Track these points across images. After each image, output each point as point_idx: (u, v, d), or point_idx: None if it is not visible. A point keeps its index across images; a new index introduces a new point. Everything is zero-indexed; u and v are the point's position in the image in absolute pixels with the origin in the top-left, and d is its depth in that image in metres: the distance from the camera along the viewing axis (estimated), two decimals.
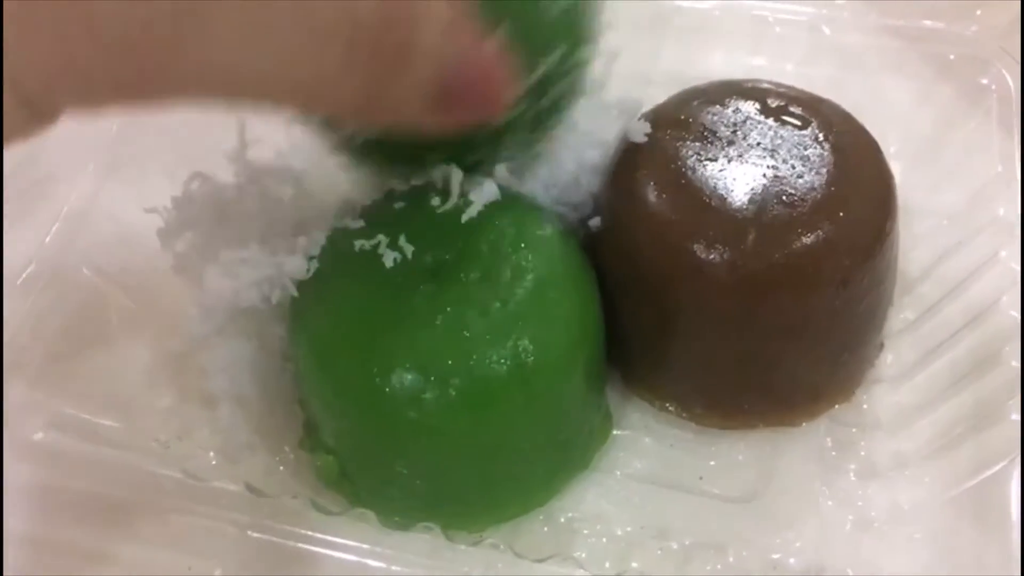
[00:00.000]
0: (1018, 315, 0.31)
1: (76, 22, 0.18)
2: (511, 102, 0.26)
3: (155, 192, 0.33)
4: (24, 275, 0.33)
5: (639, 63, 0.40)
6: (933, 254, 0.35)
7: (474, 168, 0.31)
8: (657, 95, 0.35)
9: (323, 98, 0.23)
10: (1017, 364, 0.30)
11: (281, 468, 0.31)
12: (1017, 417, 0.29)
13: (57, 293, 0.33)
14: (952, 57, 0.39)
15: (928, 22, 0.41)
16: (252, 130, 0.31)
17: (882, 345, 0.34)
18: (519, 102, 0.28)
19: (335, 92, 0.22)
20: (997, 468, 0.29)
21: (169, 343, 0.31)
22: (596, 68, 0.33)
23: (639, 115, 0.34)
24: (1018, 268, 0.32)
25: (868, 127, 0.33)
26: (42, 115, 0.18)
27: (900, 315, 0.34)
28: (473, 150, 0.30)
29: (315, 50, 0.21)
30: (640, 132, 0.32)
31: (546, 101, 0.29)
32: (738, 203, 0.30)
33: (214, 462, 0.31)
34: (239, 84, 0.21)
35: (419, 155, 0.30)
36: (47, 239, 0.34)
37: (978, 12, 0.40)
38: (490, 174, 0.31)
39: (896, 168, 0.37)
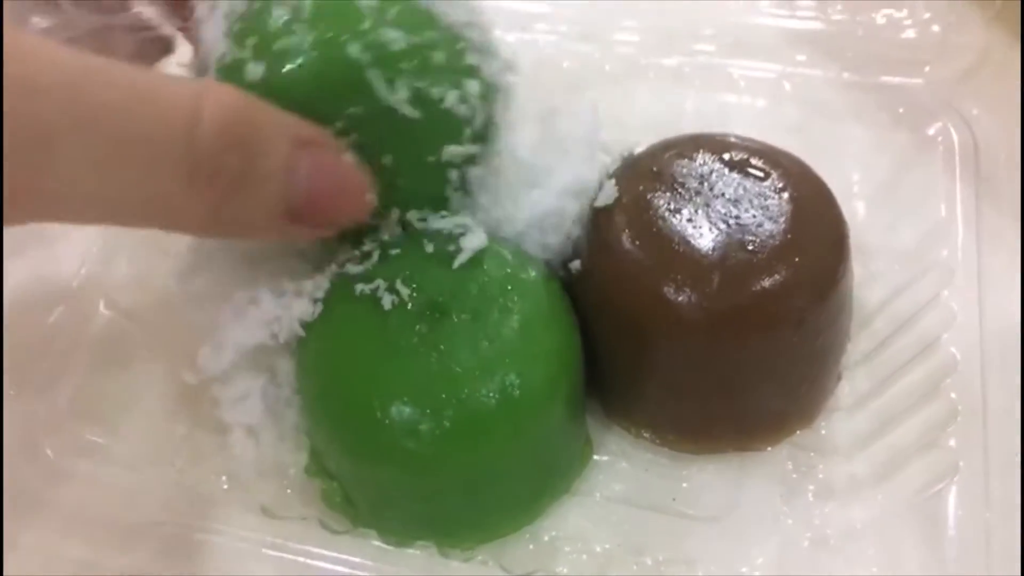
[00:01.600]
0: (958, 352, 0.34)
1: None
2: (369, 209, 0.27)
3: (170, 237, 0.35)
4: (54, 315, 0.35)
5: (615, 111, 0.42)
6: (886, 291, 0.37)
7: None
8: (631, 140, 0.37)
9: (170, 219, 0.23)
10: (956, 396, 0.33)
11: (288, 492, 0.33)
12: (954, 443, 0.32)
13: (82, 331, 0.36)
14: (901, 111, 0.42)
15: (884, 77, 0.44)
16: None
17: (840, 376, 0.36)
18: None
19: (181, 214, 0.23)
20: (937, 489, 0.31)
21: (184, 376, 0.33)
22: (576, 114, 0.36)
23: (617, 161, 0.36)
24: (956, 308, 0.35)
25: (831, 169, 0.35)
26: None
27: (857, 347, 0.36)
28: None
29: (156, 177, 0.21)
30: (609, 196, 0.34)
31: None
32: (704, 249, 0.32)
33: (226, 486, 0.33)
34: (88, 209, 0.22)
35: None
36: (74, 283, 0.36)
37: (927, 69, 0.43)
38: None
39: (859, 206, 0.40)
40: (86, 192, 0.21)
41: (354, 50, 0.28)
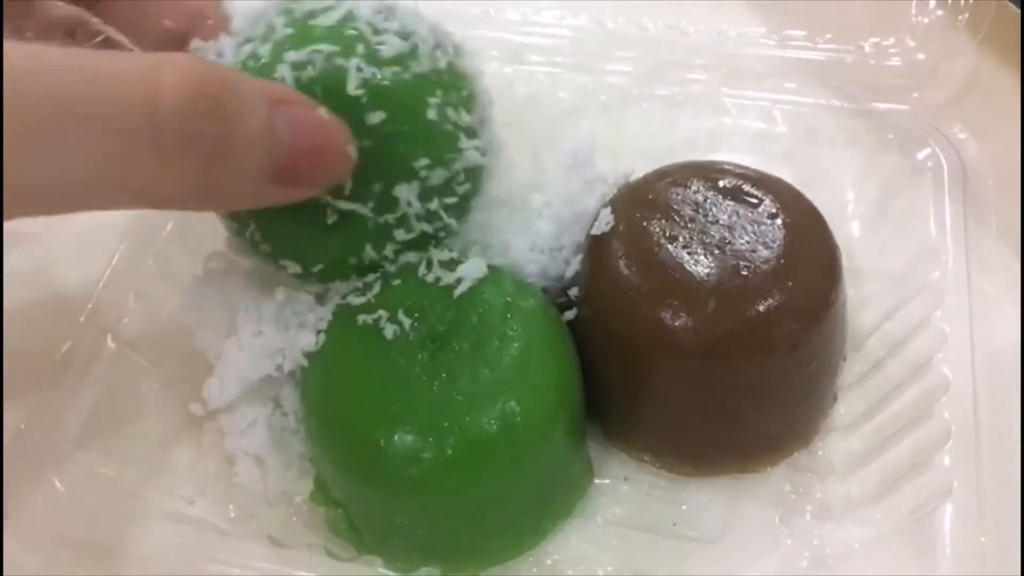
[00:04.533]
0: (950, 372, 0.34)
1: None
2: (351, 164, 0.26)
3: (177, 270, 0.36)
4: (63, 350, 0.36)
5: (610, 140, 0.43)
6: (879, 314, 0.38)
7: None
8: (626, 168, 0.37)
9: (147, 194, 0.22)
10: (949, 416, 0.33)
11: (294, 519, 0.34)
12: (948, 463, 0.32)
13: (90, 364, 0.36)
14: (890, 136, 0.43)
15: (873, 104, 0.44)
16: None
17: (835, 397, 0.36)
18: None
19: (157, 187, 0.22)
20: (932, 508, 0.32)
21: (191, 408, 0.34)
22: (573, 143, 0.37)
23: (613, 189, 0.37)
24: (948, 329, 0.35)
25: (823, 195, 0.36)
26: None
27: (852, 368, 0.37)
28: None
29: (120, 153, 0.21)
30: (606, 223, 0.35)
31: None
32: (700, 275, 0.32)
33: (233, 515, 0.34)
34: (55, 198, 0.21)
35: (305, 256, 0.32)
36: (81, 319, 0.37)
37: (915, 95, 0.44)
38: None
39: (851, 230, 0.41)
40: (47, 185, 0.21)
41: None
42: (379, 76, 0.29)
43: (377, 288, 0.33)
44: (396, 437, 0.29)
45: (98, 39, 0.34)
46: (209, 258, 0.35)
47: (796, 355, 0.33)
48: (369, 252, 0.32)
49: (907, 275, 0.39)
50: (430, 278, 0.33)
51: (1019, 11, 0.45)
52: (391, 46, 0.30)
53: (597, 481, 0.35)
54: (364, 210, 0.31)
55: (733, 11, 0.50)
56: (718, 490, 0.35)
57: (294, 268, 0.33)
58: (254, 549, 0.32)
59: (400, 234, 0.32)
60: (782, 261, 0.33)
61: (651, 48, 0.48)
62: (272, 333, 0.33)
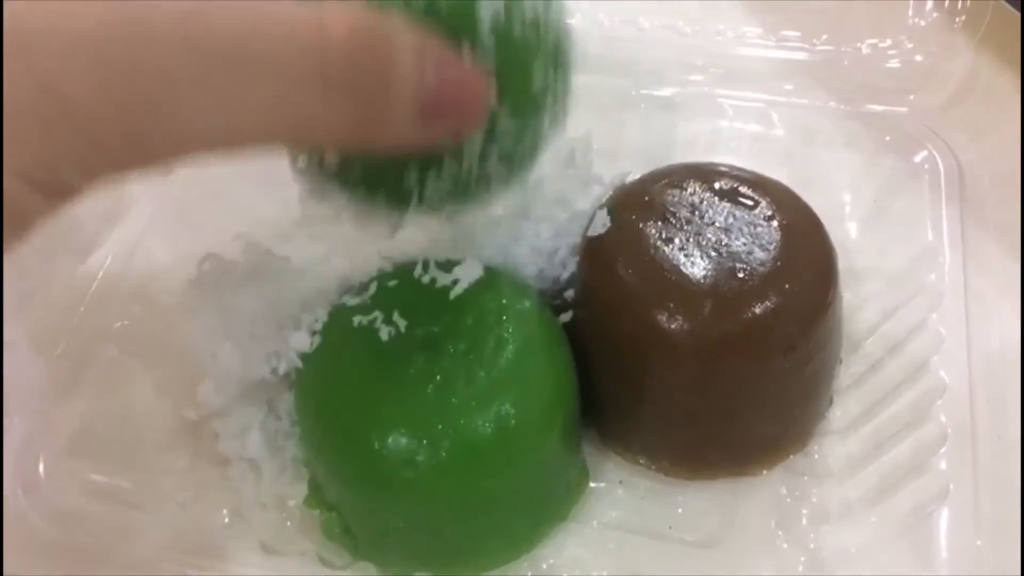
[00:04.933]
0: (946, 375, 0.34)
1: (58, 118, 0.19)
2: (488, 109, 0.26)
3: (170, 273, 0.36)
4: (55, 353, 0.36)
5: (607, 141, 0.43)
6: (876, 316, 0.38)
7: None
8: (623, 170, 0.37)
9: (310, 135, 0.23)
10: (945, 419, 0.33)
11: (288, 524, 0.34)
12: (945, 466, 0.32)
13: (83, 369, 0.36)
14: (888, 138, 0.43)
15: (870, 105, 0.44)
16: (259, 212, 0.34)
17: (832, 399, 0.36)
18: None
19: (321, 128, 0.22)
20: (929, 511, 0.32)
21: (185, 412, 0.34)
22: (570, 145, 0.37)
23: (609, 191, 0.37)
24: (944, 332, 0.35)
25: (820, 197, 0.36)
26: (59, 194, 0.20)
27: (848, 371, 0.37)
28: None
29: (291, 95, 0.21)
30: (602, 224, 0.34)
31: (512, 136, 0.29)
32: (696, 277, 0.32)
33: (227, 520, 0.34)
34: (223, 138, 0.21)
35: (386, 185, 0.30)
36: (74, 322, 0.37)
37: (911, 97, 0.44)
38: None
39: (848, 232, 0.41)
40: (214, 123, 0.21)
41: None
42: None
43: (372, 289, 0.33)
44: (391, 439, 0.29)
45: None
46: (203, 260, 0.35)
47: (792, 358, 0.33)
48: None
49: (904, 277, 0.39)
50: (426, 279, 0.33)
51: (1017, 12, 0.45)
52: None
53: (593, 484, 0.35)
54: None
55: (730, 12, 0.50)
56: (714, 494, 0.35)
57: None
58: (247, 556, 0.32)
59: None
60: (778, 263, 0.33)
61: (648, 49, 0.48)
62: (266, 335, 0.33)
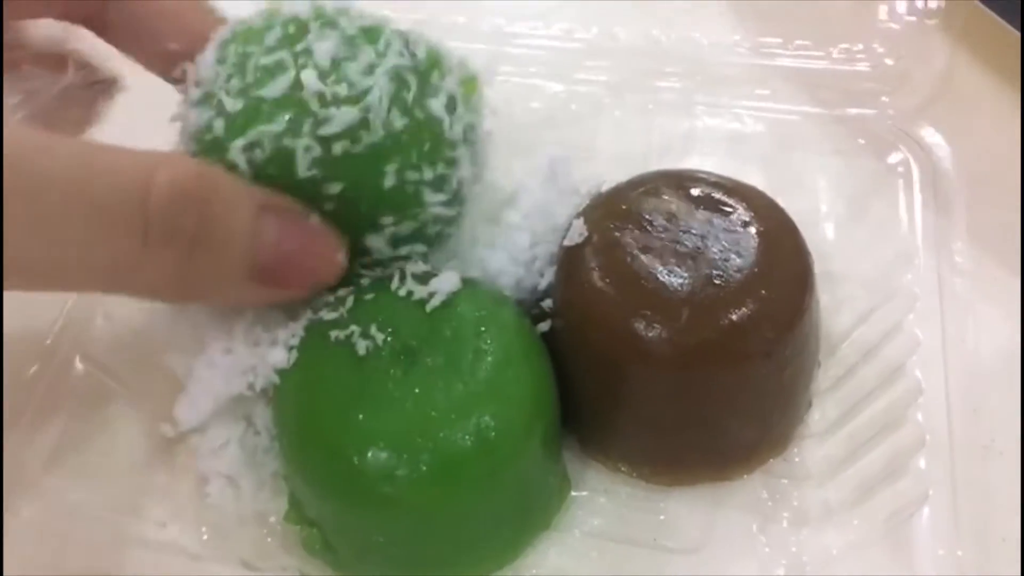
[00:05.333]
0: (923, 377, 0.34)
1: None
2: (339, 269, 0.27)
3: None
4: (29, 372, 0.35)
5: (583, 149, 0.43)
6: (852, 318, 0.38)
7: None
8: (599, 177, 0.38)
9: (128, 282, 0.23)
10: (922, 420, 0.33)
11: (269, 540, 0.33)
12: (924, 467, 0.32)
13: (58, 387, 0.36)
14: (862, 141, 0.43)
15: (845, 109, 0.45)
16: None
17: (810, 403, 0.36)
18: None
19: (139, 277, 0.23)
20: (909, 514, 0.32)
21: (162, 429, 0.34)
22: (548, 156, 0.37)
23: (586, 199, 0.37)
24: (920, 334, 0.36)
25: (796, 201, 0.36)
26: None
27: (827, 374, 0.37)
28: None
29: (108, 239, 0.22)
30: (578, 233, 0.34)
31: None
32: (673, 285, 0.32)
33: (206, 537, 0.33)
34: (43, 275, 0.22)
35: None
36: (48, 341, 0.36)
37: (884, 99, 0.45)
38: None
39: (824, 235, 0.41)
40: (41, 261, 0.21)
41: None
42: (329, 154, 0.29)
43: (349, 303, 0.32)
44: (369, 454, 0.29)
45: (87, 69, 0.34)
46: None
47: (770, 363, 0.33)
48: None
49: (880, 279, 0.39)
50: (403, 292, 0.32)
51: (992, 13, 0.45)
52: (340, 120, 0.29)
53: (574, 493, 0.35)
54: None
55: (705, 18, 0.50)
56: (696, 499, 0.35)
57: None
58: (228, 574, 0.31)
59: (378, 271, 0.33)
60: (755, 270, 0.33)
61: (624, 56, 0.48)
62: (243, 351, 0.32)
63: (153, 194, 0.22)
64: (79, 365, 0.36)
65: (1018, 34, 0.44)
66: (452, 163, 0.32)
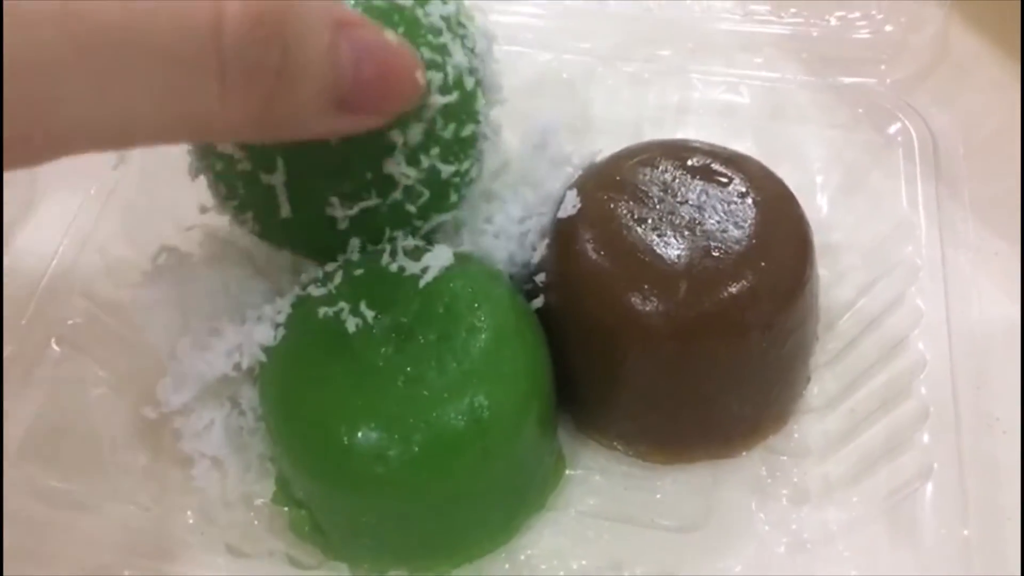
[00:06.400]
0: (926, 350, 0.34)
1: None
2: (420, 91, 0.25)
3: (124, 266, 0.34)
4: (6, 352, 0.34)
5: (576, 119, 0.42)
6: (852, 291, 0.38)
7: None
8: (592, 147, 0.37)
9: (207, 129, 0.22)
10: (926, 393, 0.33)
11: (256, 523, 0.33)
12: (928, 442, 0.32)
13: (32, 369, 0.35)
14: (860, 111, 0.42)
15: (842, 78, 0.44)
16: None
17: (809, 377, 0.36)
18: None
19: (220, 120, 0.21)
20: (912, 490, 0.31)
21: (144, 410, 0.32)
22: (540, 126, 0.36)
23: (579, 170, 0.36)
24: (923, 306, 0.35)
25: (793, 171, 0.35)
26: None
27: (825, 348, 0.36)
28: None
29: (184, 86, 0.20)
30: (572, 205, 0.34)
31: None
32: (670, 257, 0.32)
33: (191, 521, 0.33)
34: (111, 133, 0.20)
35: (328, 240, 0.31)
36: (23, 321, 0.35)
37: (882, 67, 0.44)
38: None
39: (822, 206, 0.40)
40: (106, 118, 0.20)
41: None
42: None
43: (338, 278, 0.32)
44: (360, 434, 0.28)
45: None
46: (158, 253, 0.33)
47: (769, 336, 0.32)
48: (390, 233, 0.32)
49: (880, 250, 0.38)
50: (394, 267, 0.31)
51: None
52: None
53: (570, 472, 0.34)
54: (371, 200, 0.30)
55: None
56: (693, 477, 0.34)
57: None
58: (214, 559, 0.30)
59: (410, 207, 0.31)
60: (753, 241, 0.32)
61: (615, 24, 0.47)
62: (227, 329, 0.31)
63: (226, 28, 0.20)
64: (55, 347, 0.35)
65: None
66: (442, 50, 0.29)
